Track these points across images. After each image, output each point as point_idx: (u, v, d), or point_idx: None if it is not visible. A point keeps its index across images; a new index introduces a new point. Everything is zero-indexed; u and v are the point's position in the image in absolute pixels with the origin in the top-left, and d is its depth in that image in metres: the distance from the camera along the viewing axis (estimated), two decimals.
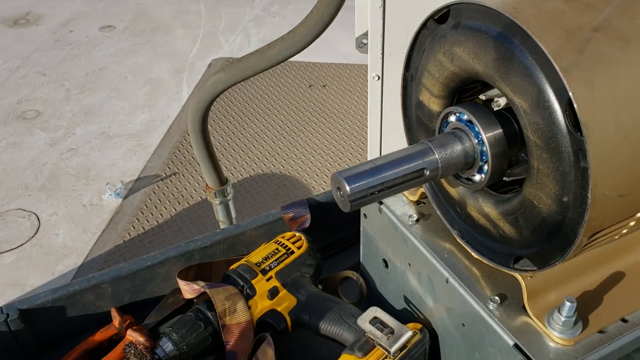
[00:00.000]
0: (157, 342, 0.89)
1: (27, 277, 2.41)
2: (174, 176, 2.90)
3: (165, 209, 2.73)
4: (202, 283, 0.93)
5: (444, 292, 0.79)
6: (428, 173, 0.65)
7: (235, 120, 3.25)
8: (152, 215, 2.71)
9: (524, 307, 0.72)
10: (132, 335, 0.91)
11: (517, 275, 0.71)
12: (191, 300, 0.97)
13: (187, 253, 1.00)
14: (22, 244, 2.55)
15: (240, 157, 3.01)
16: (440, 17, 0.69)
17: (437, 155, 0.65)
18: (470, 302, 0.74)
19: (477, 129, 0.66)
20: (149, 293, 0.99)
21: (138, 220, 2.69)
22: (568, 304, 0.66)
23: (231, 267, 0.96)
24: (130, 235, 2.61)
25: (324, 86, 3.54)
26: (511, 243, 0.69)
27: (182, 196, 2.79)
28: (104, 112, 3.34)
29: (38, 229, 2.63)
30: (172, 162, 2.99)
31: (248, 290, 0.93)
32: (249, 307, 0.92)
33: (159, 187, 2.85)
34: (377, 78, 1.36)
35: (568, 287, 0.72)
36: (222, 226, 1.79)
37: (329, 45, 3.60)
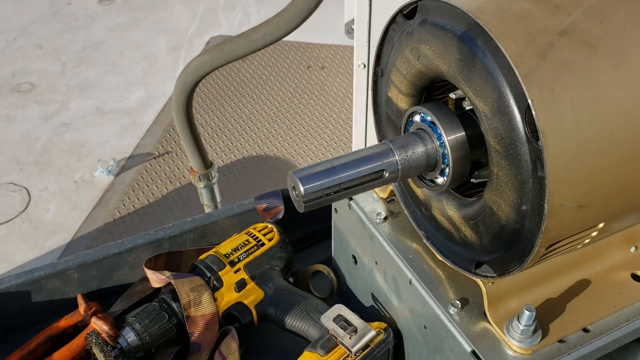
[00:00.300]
0: (120, 331, 0.88)
1: (15, 252, 2.41)
2: (166, 155, 2.88)
3: (157, 188, 2.72)
4: (168, 273, 0.92)
5: (407, 293, 0.78)
6: (387, 175, 0.63)
7: (231, 100, 3.22)
8: (143, 194, 2.70)
9: (485, 313, 0.70)
10: (96, 324, 0.90)
11: (478, 280, 0.69)
12: (160, 289, 0.96)
13: (156, 241, 0.99)
14: (11, 219, 2.55)
15: (235, 137, 2.98)
16: (409, 12, 0.67)
17: (397, 157, 0.63)
18: (432, 304, 0.73)
19: (439, 130, 0.64)
20: (117, 280, 0.98)
21: (129, 199, 2.68)
22: (527, 312, 0.65)
23: (200, 258, 0.95)
24: (120, 214, 2.61)
25: (323, 68, 3.50)
26: (472, 248, 0.68)
27: (174, 176, 2.78)
28: (100, 87, 3.31)
29: (28, 204, 2.63)
30: (165, 140, 2.97)
31: (215, 282, 0.92)
32: (215, 299, 0.91)
33: (151, 165, 2.84)
34: (363, 66, 1.33)
35: (530, 295, 0.71)
36: (206, 210, 1.78)
37: (329, 26, 3.55)
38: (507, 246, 0.62)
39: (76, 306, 0.95)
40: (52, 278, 0.93)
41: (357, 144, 1.41)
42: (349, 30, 1.49)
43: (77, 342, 0.90)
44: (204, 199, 1.73)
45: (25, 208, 2.61)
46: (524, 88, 0.53)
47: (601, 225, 0.61)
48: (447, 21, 0.61)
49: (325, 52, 3.62)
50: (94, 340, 0.86)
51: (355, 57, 1.33)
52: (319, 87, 3.35)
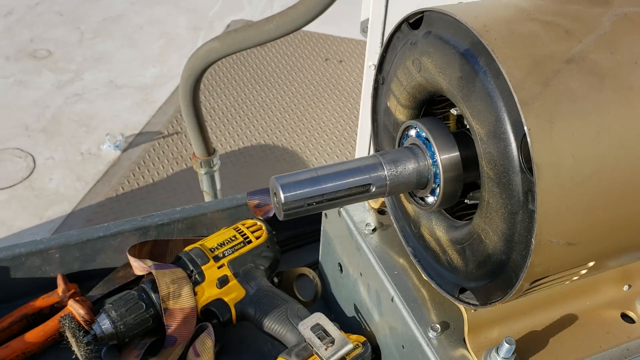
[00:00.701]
0: (96, 317, 0.87)
1: (15, 219, 2.41)
2: (175, 135, 2.87)
3: (163, 167, 2.71)
4: (150, 262, 0.90)
5: (388, 310, 0.76)
6: (374, 189, 0.61)
7: (245, 86, 3.20)
8: (148, 172, 2.69)
9: (464, 339, 0.68)
10: (73, 307, 0.89)
11: (460, 306, 0.67)
12: (142, 277, 0.94)
13: (142, 228, 0.97)
14: (14, 184, 2.55)
15: (245, 124, 2.96)
16: (414, 22, 0.64)
17: (386, 172, 0.61)
18: (411, 325, 0.70)
19: (433, 148, 0.61)
20: (100, 264, 0.96)
21: (134, 176, 2.67)
22: (507, 345, 0.62)
23: (185, 249, 0.93)
24: (123, 190, 2.60)
25: (341, 62, 3.47)
26: (457, 273, 0.65)
27: (181, 157, 2.77)
28: (115, 60, 3.30)
29: (33, 171, 2.63)
30: (176, 120, 2.95)
31: (197, 276, 0.90)
32: (195, 294, 0.89)
33: (159, 144, 2.83)
34: (373, 67, 1.30)
35: (513, 325, 0.68)
36: (205, 197, 1.76)
37: (351, 19, 3.51)
38: (491, 276, 0.59)
39: (55, 286, 0.93)
40: (32, 256, 0.91)
41: (360, 148, 1.39)
42: (365, 29, 1.46)
43: (51, 324, 0.88)
44: (204, 185, 1.71)
45: (29, 175, 2.61)
46: (522, 116, 0.50)
47: (591, 264, 0.58)
48: (451, 36, 0.58)
49: (345, 45, 3.59)
50: (67, 324, 0.84)
51: (366, 58, 1.30)
52: (335, 81, 3.32)
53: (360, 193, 0.60)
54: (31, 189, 2.55)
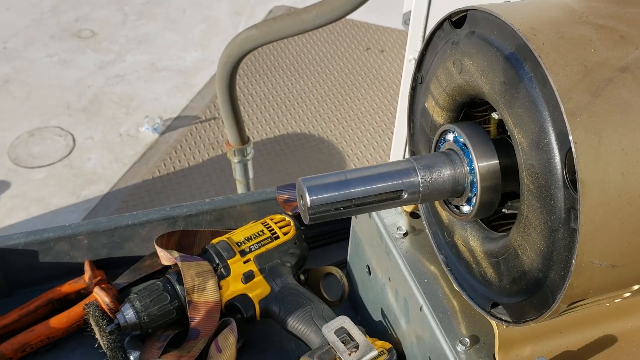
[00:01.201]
0: (120, 306, 0.86)
1: (52, 196, 2.45)
2: (213, 120, 2.87)
3: (199, 152, 2.72)
4: (176, 254, 0.89)
5: (416, 319, 0.73)
6: (406, 196, 0.58)
7: (284, 73, 3.18)
8: (184, 156, 2.70)
9: (494, 356, 0.65)
10: (98, 294, 0.89)
11: (492, 321, 0.63)
12: (168, 267, 0.93)
13: (171, 218, 0.96)
14: (53, 162, 2.59)
15: (282, 112, 2.95)
16: (457, 20, 0.61)
17: (419, 178, 0.58)
18: (439, 337, 0.68)
19: (471, 155, 0.58)
20: (127, 252, 0.96)
21: (170, 159, 2.69)
22: None
23: (212, 241, 0.92)
24: (159, 173, 2.62)
25: (382, 51, 3.41)
26: (490, 287, 0.62)
27: (217, 142, 2.77)
28: (157, 43, 3.32)
29: (72, 150, 2.67)
30: (214, 105, 2.95)
31: (222, 270, 0.88)
32: (220, 288, 0.88)
33: (196, 129, 2.83)
34: (414, 62, 1.26)
35: (546, 344, 0.64)
36: (238, 185, 1.75)
37: (394, 8, 3.45)
38: (526, 293, 0.56)
39: (82, 272, 0.93)
40: (61, 241, 0.91)
41: (397, 143, 1.35)
42: (407, 21, 1.42)
43: (76, 310, 0.88)
44: (237, 174, 1.70)
45: (68, 154, 2.65)
46: (569, 127, 0.46)
47: (636, 287, 0.54)
48: (495, 37, 0.54)
49: (387, 35, 3.53)
50: (91, 312, 0.84)
51: (407, 51, 1.26)
52: (375, 71, 3.27)
53: (390, 199, 0.57)
54: (70, 168, 2.59)
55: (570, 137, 0.46)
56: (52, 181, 2.51)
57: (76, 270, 0.93)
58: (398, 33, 3.54)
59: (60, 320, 0.87)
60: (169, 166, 2.65)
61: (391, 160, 1.47)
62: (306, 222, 0.57)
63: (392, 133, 2.89)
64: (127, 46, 3.28)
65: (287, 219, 0.96)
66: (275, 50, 3.32)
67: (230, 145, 1.63)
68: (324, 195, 0.55)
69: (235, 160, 1.65)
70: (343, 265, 0.97)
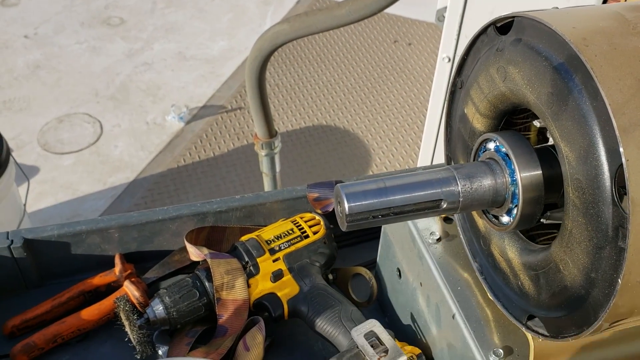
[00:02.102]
0: (150, 301, 0.87)
1: (80, 183, 2.48)
2: (238, 110, 2.88)
3: (224, 142, 2.73)
4: (206, 250, 0.89)
5: (448, 326, 0.72)
6: (445, 205, 0.57)
7: (310, 64, 3.17)
8: (210, 145, 2.71)
9: None
10: (128, 288, 0.89)
11: (527, 333, 0.62)
12: (197, 262, 0.94)
13: (201, 214, 0.96)
14: (81, 149, 2.62)
15: (307, 103, 2.94)
16: (503, 26, 0.59)
17: (459, 187, 0.57)
18: (472, 346, 0.67)
19: (513, 166, 0.57)
20: (157, 246, 0.97)
21: (195, 148, 2.70)
22: None
23: (241, 239, 0.92)
24: (185, 162, 2.64)
25: (410, 44, 3.38)
26: (528, 299, 0.61)
27: (243, 132, 2.78)
28: (185, 31, 3.33)
29: (99, 137, 2.69)
30: (240, 95, 2.96)
31: (251, 268, 0.88)
32: (249, 286, 0.88)
33: (222, 118, 2.84)
34: (447, 60, 1.25)
35: (583, 358, 0.63)
36: (264, 178, 1.76)
37: (424, 1, 3.41)
38: (566, 309, 0.55)
39: (113, 264, 0.94)
40: (93, 234, 0.92)
41: (426, 141, 1.34)
42: (440, 18, 1.40)
43: (106, 303, 0.89)
44: (264, 167, 1.71)
45: (96, 141, 2.67)
46: (620, 144, 0.45)
47: None
48: (544, 47, 0.53)
49: (416, 28, 3.49)
50: (122, 306, 0.85)
51: (440, 49, 1.25)
52: (402, 64, 3.24)
53: (429, 209, 0.56)
54: (97, 155, 2.61)
55: (622, 155, 0.45)
56: (80, 168, 2.54)
57: (107, 263, 0.94)
58: (427, 26, 3.51)
59: (91, 313, 0.88)
60: (194, 155, 2.67)
61: (419, 161, 1.46)
62: (344, 229, 0.56)
63: (418, 127, 2.87)
64: (155, 34, 3.29)
65: (317, 217, 0.95)
66: (302, 41, 3.31)
67: (258, 138, 1.63)
68: (363, 203, 0.55)
69: (262, 153, 1.65)
70: (372, 265, 0.97)
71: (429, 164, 1.42)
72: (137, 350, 0.84)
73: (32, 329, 0.88)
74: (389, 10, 3.65)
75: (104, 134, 2.71)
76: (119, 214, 0.94)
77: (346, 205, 0.55)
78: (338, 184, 0.56)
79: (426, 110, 2.97)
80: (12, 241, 0.89)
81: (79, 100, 2.86)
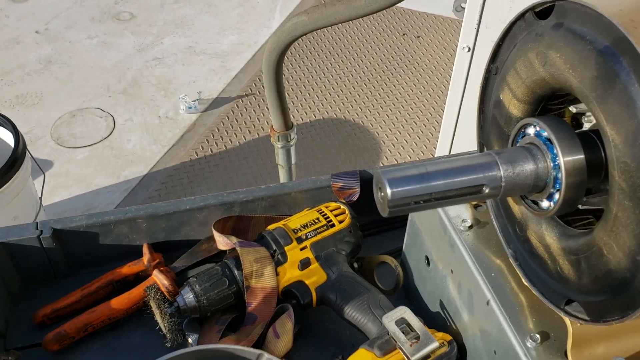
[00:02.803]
0: (180, 289, 0.87)
1: (94, 176, 2.49)
2: (249, 104, 2.88)
3: (236, 135, 2.73)
4: (235, 239, 0.90)
5: (482, 312, 0.72)
6: (487, 191, 0.57)
7: (320, 58, 3.17)
8: (222, 139, 2.72)
9: (565, 353, 0.64)
10: (157, 277, 0.90)
11: (566, 318, 0.63)
12: (223, 251, 0.94)
13: (227, 203, 0.96)
14: (94, 143, 2.63)
15: (317, 97, 2.94)
16: (541, 11, 0.59)
17: (502, 172, 0.57)
18: (508, 332, 0.67)
19: (555, 150, 0.57)
20: (184, 235, 0.97)
21: (208, 142, 2.70)
22: None
23: (268, 228, 0.92)
24: (197, 155, 2.64)
25: (418, 37, 3.38)
26: (567, 284, 0.61)
27: (254, 126, 2.78)
28: (195, 26, 3.33)
29: (112, 132, 2.70)
30: (250, 89, 2.96)
31: (279, 256, 0.89)
32: (277, 274, 0.88)
33: (233, 112, 2.85)
34: (467, 49, 1.24)
35: (622, 343, 0.63)
36: (280, 170, 1.75)
37: None
38: (609, 293, 0.55)
39: (141, 254, 0.94)
40: (121, 224, 0.92)
41: (445, 131, 1.34)
42: (458, 8, 1.40)
43: (136, 292, 0.90)
44: (280, 159, 1.70)
45: (109, 135, 2.68)
46: None
47: None
48: (588, 30, 0.53)
49: (424, 20, 3.49)
50: (152, 295, 0.85)
51: (460, 39, 1.25)
52: (411, 56, 3.24)
53: (471, 194, 0.57)
54: (110, 149, 2.62)
55: None
56: (94, 161, 2.55)
57: (135, 253, 0.95)
58: (435, 19, 3.50)
59: (121, 302, 0.88)
60: (206, 149, 2.67)
61: (437, 151, 1.46)
62: (385, 215, 0.57)
63: (427, 120, 2.87)
64: (165, 29, 3.30)
65: (342, 207, 0.96)
66: (311, 35, 3.31)
67: (274, 131, 1.63)
68: (405, 189, 0.55)
69: (278, 145, 1.65)
70: (396, 254, 0.97)
71: (447, 154, 1.42)
72: (168, 338, 0.85)
73: (62, 318, 0.89)
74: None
75: (116, 128, 2.71)
76: (147, 204, 0.94)
77: (388, 191, 0.55)
78: (379, 170, 0.56)
79: (436, 102, 2.98)
80: (41, 231, 0.89)
81: (91, 95, 2.86)
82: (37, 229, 0.89)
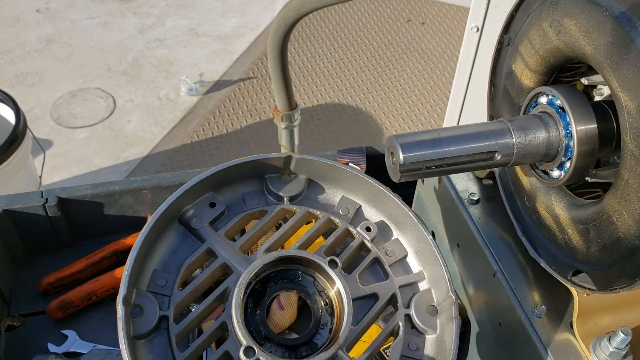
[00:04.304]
0: None
1: (93, 157, 2.48)
2: (251, 88, 2.87)
3: (237, 119, 2.72)
4: None
5: (488, 285, 0.72)
6: (499, 157, 0.57)
7: (323, 43, 3.15)
8: (222, 122, 2.71)
9: (571, 324, 0.64)
10: None
11: (572, 288, 0.63)
12: None
13: None
14: (94, 124, 2.62)
15: (320, 82, 2.93)
16: None
17: (514, 139, 0.57)
18: (514, 304, 0.67)
19: (568, 118, 0.57)
20: None
21: (208, 124, 2.69)
22: (622, 335, 0.58)
23: None
24: (198, 137, 2.63)
25: (423, 24, 3.36)
26: (575, 254, 0.61)
27: (255, 110, 2.77)
28: (197, 8, 3.31)
29: (112, 112, 2.69)
30: (252, 73, 2.95)
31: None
32: None
33: (234, 95, 2.83)
34: (476, 29, 1.24)
35: (627, 315, 0.64)
36: (282, 151, 1.75)
37: None
38: (618, 261, 0.55)
39: (144, 225, 0.94)
40: (126, 194, 0.92)
41: (452, 109, 1.34)
42: None
43: None
44: (283, 139, 1.70)
45: (109, 116, 2.67)
46: None
47: None
48: None
49: (429, 7, 3.47)
50: None
51: (469, 19, 1.24)
52: (416, 43, 3.22)
53: (483, 160, 0.56)
54: (110, 129, 2.61)
55: None
56: (93, 142, 2.54)
57: (139, 224, 0.94)
58: (440, 5, 3.48)
59: None
60: (207, 131, 2.66)
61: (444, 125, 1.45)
62: (396, 180, 0.56)
63: (431, 106, 2.86)
64: (167, 10, 3.27)
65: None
66: (315, 19, 3.29)
67: (277, 111, 1.62)
68: (417, 153, 0.55)
69: (282, 125, 1.64)
70: None
71: None
72: None
73: (65, 287, 0.89)
74: None
75: (117, 109, 2.70)
76: (152, 175, 0.94)
77: (401, 155, 0.55)
78: (391, 135, 0.56)
79: (439, 89, 2.97)
80: (46, 200, 0.89)
81: (92, 75, 2.85)
82: (42, 197, 0.89)
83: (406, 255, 0.69)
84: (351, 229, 0.68)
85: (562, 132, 0.57)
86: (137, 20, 3.18)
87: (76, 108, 2.68)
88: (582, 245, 0.59)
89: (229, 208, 0.68)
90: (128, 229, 0.94)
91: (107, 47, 3.01)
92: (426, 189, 0.86)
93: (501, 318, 0.70)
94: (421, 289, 0.67)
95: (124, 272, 0.57)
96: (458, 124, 1.30)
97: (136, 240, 0.59)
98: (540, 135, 0.57)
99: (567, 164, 0.58)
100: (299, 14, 1.37)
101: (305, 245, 0.66)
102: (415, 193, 0.90)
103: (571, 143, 0.57)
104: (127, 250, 0.92)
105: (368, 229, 0.68)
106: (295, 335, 0.79)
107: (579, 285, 0.61)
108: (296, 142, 1.73)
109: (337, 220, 0.68)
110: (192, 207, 0.66)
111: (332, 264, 0.63)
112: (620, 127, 0.52)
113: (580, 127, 0.56)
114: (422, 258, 0.68)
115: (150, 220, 0.62)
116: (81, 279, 0.90)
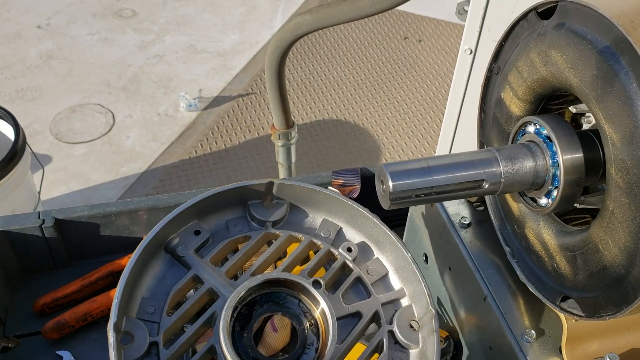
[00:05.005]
0: None
1: (92, 172, 2.49)
2: (250, 104, 2.89)
3: (235, 135, 2.74)
4: None
5: (479, 309, 0.73)
6: (487, 186, 0.58)
7: (321, 60, 3.18)
8: (221, 138, 2.72)
9: (560, 349, 0.65)
10: None
11: (561, 314, 0.64)
12: None
13: None
14: (93, 139, 2.63)
15: (318, 98, 2.95)
16: (544, 11, 0.60)
17: (501, 168, 0.58)
18: (504, 328, 0.68)
19: (555, 148, 0.58)
20: None
21: (207, 140, 2.71)
22: None
23: None
24: (196, 153, 2.64)
25: (420, 41, 3.39)
26: (563, 280, 0.62)
27: (254, 126, 2.78)
28: (196, 25, 3.34)
29: (111, 128, 2.70)
30: (251, 89, 2.97)
31: None
32: None
33: (233, 111, 2.85)
34: (469, 52, 1.25)
35: (615, 340, 0.64)
36: (280, 168, 1.76)
37: None
38: (604, 289, 0.56)
39: None
40: (122, 215, 0.93)
41: (445, 132, 1.35)
42: (461, 11, 1.41)
43: None
44: (280, 157, 1.71)
45: (108, 131, 2.68)
46: None
47: None
48: (589, 30, 0.54)
49: (426, 25, 3.50)
50: None
51: (462, 41, 1.25)
52: (412, 60, 3.25)
53: (471, 188, 0.58)
54: (109, 145, 2.62)
55: None
56: (92, 157, 2.55)
57: (135, 245, 0.94)
58: (437, 23, 3.51)
59: None
60: (205, 147, 2.68)
61: (437, 151, 1.46)
62: (386, 207, 0.57)
63: (427, 123, 2.88)
64: (166, 27, 3.30)
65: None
66: (313, 36, 3.32)
67: (275, 129, 1.64)
68: (406, 182, 0.56)
69: (279, 143, 1.66)
70: None
71: None
72: None
73: (61, 307, 0.90)
74: (399, 6, 3.66)
75: (116, 125, 2.72)
76: (149, 196, 0.95)
77: (390, 184, 0.56)
78: (382, 164, 0.57)
79: (435, 106, 2.99)
80: (43, 221, 0.90)
81: (91, 91, 2.87)
82: (39, 218, 0.90)
83: (387, 274, 0.70)
84: (333, 250, 0.69)
85: (549, 162, 0.58)
86: (137, 37, 3.21)
87: (75, 123, 2.70)
88: (569, 272, 0.60)
89: (213, 235, 0.69)
90: (124, 249, 0.95)
91: (107, 62, 3.03)
92: (418, 211, 0.87)
93: (492, 342, 0.71)
94: (403, 305, 0.68)
95: (113, 300, 0.57)
96: (452, 144, 1.31)
97: (124, 270, 0.60)
98: (528, 165, 0.58)
99: (554, 193, 0.59)
100: (296, 36, 1.39)
101: (289, 268, 0.67)
102: (409, 215, 0.91)
103: (558, 172, 0.58)
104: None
105: (349, 250, 0.70)
106: (284, 356, 0.80)
107: (567, 311, 0.62)
108: (293, 159, 1.74)
109: (319, 243, 0.70)
110: (177, 235, 0.67)
111: (316, 284, 0.64)
112: (605, 157, 0.54)
113: (567, 157, 0.57)
114: (402, 275, 0.69)
115: (137, 250, 0.63)
116: (77, 300, 0.90)
